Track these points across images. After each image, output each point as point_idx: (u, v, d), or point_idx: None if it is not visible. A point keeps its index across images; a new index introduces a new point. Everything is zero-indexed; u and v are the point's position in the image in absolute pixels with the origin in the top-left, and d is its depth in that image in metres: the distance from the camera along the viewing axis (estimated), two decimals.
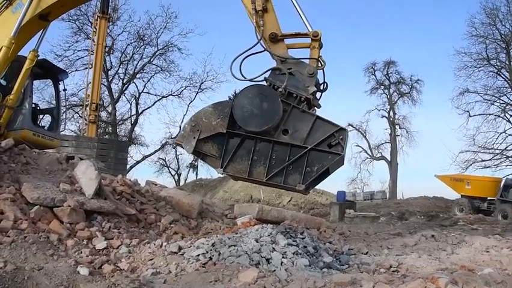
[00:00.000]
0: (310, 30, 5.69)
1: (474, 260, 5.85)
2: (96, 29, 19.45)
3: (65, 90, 10.33)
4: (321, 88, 5.79)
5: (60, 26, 28.65)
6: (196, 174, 43.65)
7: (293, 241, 5.32)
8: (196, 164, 44.62)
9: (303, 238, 5.62)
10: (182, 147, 5.32)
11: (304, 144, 5.03)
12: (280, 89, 5.20)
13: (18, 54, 8.21)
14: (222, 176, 33.73)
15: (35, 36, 8.42)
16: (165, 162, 41.18)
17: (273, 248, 5.07)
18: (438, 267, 5.19)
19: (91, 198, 6.41)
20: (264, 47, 5.69)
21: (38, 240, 5.09)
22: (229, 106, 5.15)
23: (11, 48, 7.56)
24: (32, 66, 8.28)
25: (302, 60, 5.59)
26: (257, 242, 5.21)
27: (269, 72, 5.43)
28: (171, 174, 41.03)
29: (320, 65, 5.60)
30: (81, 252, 5.22)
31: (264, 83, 5.36)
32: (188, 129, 5.25)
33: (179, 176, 41.72)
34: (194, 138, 5.17)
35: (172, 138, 35.71)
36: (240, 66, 5.43)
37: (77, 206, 6.04)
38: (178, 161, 42.35)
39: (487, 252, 6.52)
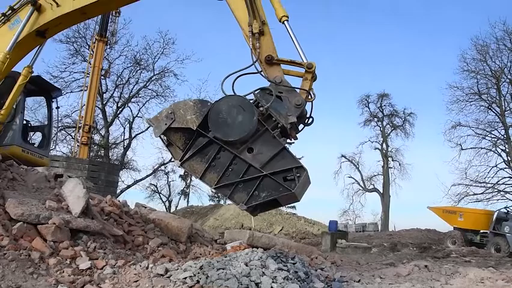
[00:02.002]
0: (305, 61, 5.72)
1: None
2: (93, 51, 19.62)
3: (58, 108, 10.27)
4: (306, 121, 5.79)
5: (57, 47, 28.91)
6: (188, 201, 43.27)
7: (284, 266, 5.15)
8: (187, 191, 44.36)
9: (294, 263, 5.45)
10: (152, 126, 5.41)
11: (262, 168, 5.06)
12: (262, 109, 5.22)
13: (13, 70, 8.16)
14: (213, 203, 33.36)
15: (31, 52, 8.41)
16: (156, 188, 40.86)
17: (263, 272, 4.89)
18: None
19: (78, 217, 6.21)
20: (258, 70, 5.70)
21: (18, 258, 4.87)
22: (208, 107, 5.18)
23: (5, 63, 7.50)
24: (25, 82, 8.21)
25: (296, 89, 5.60)
26: (246, 265, 5.03)
27: (258, 90, 5.46)
28: (162, 200, 40.66)
29: (309, 97, 5.62)
30: (63, 272, 4.99)
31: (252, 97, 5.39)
32: (163, 114, 5.30)
33: (170, 202, 41.35)
34: (166, 124, 5.23)
35: (164, 164, 35.53)
36: (233, 84, 5.47)
37: (63, 224, 5.82)
38: (169, 188, 42.07)
39: (482, 283, 6.38)
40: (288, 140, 5.95)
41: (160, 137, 5.41)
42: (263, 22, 5.98)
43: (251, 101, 5.33)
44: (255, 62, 5.71)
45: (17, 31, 7.59)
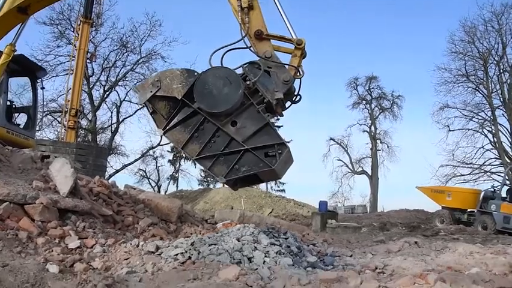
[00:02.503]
0: (294, 37, 5.65)
1: (459, 263, 5.75)
2: (78, 34, 19.16)
3: (43, 88, 10.03)
4: (294, 99, 5.75)
5: (41, 30, 28.32)
6: (177, 186, 43.26)
7: (276, 241, 5.15)
8: (176, 175, 44.33)
9: (286, 238, 5.46)
10: (137, 93, 5.43)
11: (244, 142, 5.05)
12: (249, 82, 5.18)
13: None
14: (202, 187, 33.34)
15: (13, 31, 8.15)
16: (145, 173, 40.75)
17: (255, 247, 4.89)
18: (425, 268, 5.06)
19: (66, 197, 6.12)
20: (247, 45, 5.60)
21: (5, 237, 4.78)
22: (194, 77, 5.14)
23: None
24: (8, 61, 7.99)
25: (285, 65, 5.54)
26: (238, 241, 5.03)
27: (247, 64, 5.39)
28: (151, 185, 40.59)
29: (298, 74, 5.56)
30: (52, 251, 4.91)
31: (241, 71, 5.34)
32: (149, 82, 5.28)
33: (159, 187, 41.30)
34: (151, 92, 5.20)
35: (152, 148, 35.32)
36: (221, 59, 5.36)
37: (50, 203, 5.73)
38: (158, 173, 42.05)
39: (471, 256, 6.45)
40: (274, 117, 5.94)
41: (144, 104, 5.41)
42: None
43: (239, 75, 5.25)
44: (244, 37, 5.60)
45: None
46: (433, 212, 21.54)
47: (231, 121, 5.13)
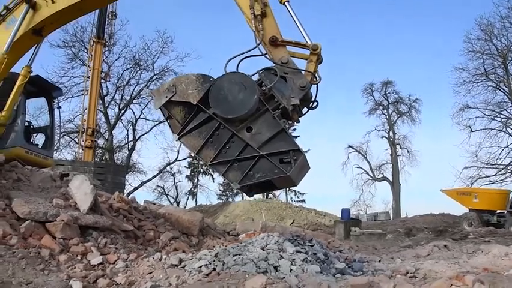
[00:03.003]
0: (310, 42, 5.62)
1: (495, 264, 5.54)
2: (92, 54, 19.54)
3: (59, 108, 10.16)
4: (310, 105, 5.71)
5: (55, 52, 28.92)
6: (196, 201, 43.40)
7: (301, 248, 5.05)
8: (195, 191, 44.46)
9: (311, 245, 5.34)
10: (153, 98, 5.46)
11: (259, 148, 5.01)
12: (264, 88, 5.16)
13: (11, 71, 8.07)
14: (221, 201, 33.36)
15: (28, 53, 8.31)
16: (163, 189, 40.95)
17: (281, 256, 4.79)
18: (459, 271, 4.86)
19: (86, 214, 6.13)
20: (262, 52, 5.58)
21: (27, 255, 4.78)
22: (210, 82, 5.15)
23: (3, 63, 7.41)
24: (24, 82, 8.12)
25: (301, 71, 5.51)
26: (263, 250, 4.93)
27: (263, 70, 5.38)
28: (170, 202, 40.68)
29: (314, 79, 5.53)
30: (74, 268, 4.90)
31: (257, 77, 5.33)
32: (165, 87, 5.32)
33: (178, 203, 41.44)
34: (166, 97, 5.24)
35: (170, 164, 35.50)
36: (237, 66, 5.37)
37: (71, 220, 5.74)
38: (176, 188, 42.21)
39: (507, 257, 6.20)
40: (290, 124, 5.88)
41: (160, 109, 5.43)
42: (265, 4, 5.89)
43: (255, 81, 5.23)
44: (259, 44, 5.59)
45: (13, 30, 7.49)
46: (460, 215, 20.99)
47: (246, 127, 5.12)
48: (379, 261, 6.38)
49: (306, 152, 5.14)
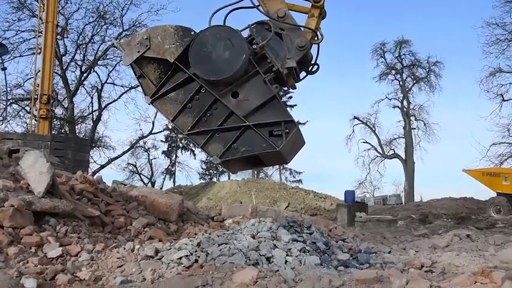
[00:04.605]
0: None
1: None
2: (43, 3, 19.03)
3: (4, 69, 9.88)
4: (309, 69, 5.71)
5: None
6: (174, 181, 43.63)
7: (299, 236, 5.16)
8: (173, 169, 44.62)
9: (310, 233, 5.45)
10: (122, 52, 5.40)
11: (245, 118, 5.03)
12: (255, 46, 5.12)
13: None
14: (204, 181, 33.48)
15: None
16: (136, 167, 41.03)
17: (274, 245, 4.90)
18: (485, 266, 4.96)
19: (42, 197, 6.14)
20: (254, 4, 5.50)
21: None
22: (191, 37, 5.11)
23: None
24: None
25: (301, 27, 5.47)
26: (254, 238, 5.03)
27: (255, 24, 5.32)
28: (143, 182, 40.83)
29: (316, 38, 5.50)
30: (27, 262, 4.95)
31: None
32: (137, 40, 5.26)
33: (153, 183, 41.64)
34: (138, 52, 5.20)
35: (143, 137, 35.44)
36: (224, 20, 5.33)
37: (23, 206, 5.75)
38: (151, 167, 42.28)
39: None
40: (284, 88, 5.88)
41: (131, 65, 5.38)
42: None
43: (244, 37, 5.20)
44: None
45: None
46: (486, 200, 21.24)
47: (231, 92, 5.12)
48: (389, 252, 6.51)
49: (303, 124, 5.13)
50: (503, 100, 30.04)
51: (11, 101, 25.96)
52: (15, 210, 5.61)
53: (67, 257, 5.29)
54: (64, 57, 29.37)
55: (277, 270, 4.38)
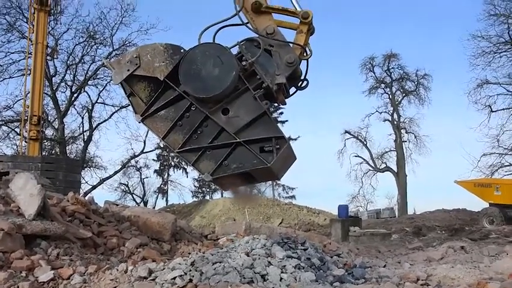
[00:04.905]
0: (299, 9, 5.61)
1: None
2: (33, 25, 19.07)
3: None
4: (299, 84, 5.75)
5: None
6: (166, 200, 43.37)
7: (293, 253, 5.12)
8: (165, 188, 44.39)
9: (305, 249, 5.42)
10: (112, 71, 5.40)
11: (236, 134, 5.04)
12: (245, 63, 5.15)
13: None
14: (197, 200, 33.32)
15: None
16: (128, 187, 40.74)
17: (269, 262, 4.87)
18: (481, 278, 4.97)
19: (32, 220, 6.10)
20: (243, 21, 5.55)
21: None
22: (180, 54, 5.13)
23: None
24: None
25: (290, 43, 5.51)
26: (248, 256, 5.00)
27: (244, 41, 5.35)
28: (136, 202, 40.58)
29: (305, 54, 5.54)
30: (17, 287, 4.89)
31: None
32: (127, 58, 5.28)
33: (145, 203, 41.34)
34: (128, 70, 5.22)
35: (135, 157, 35.28)
36: (214, 37, 5.36)
37: (13, 229, 5.71)
38: (143, 186, 42.02)
39: None
40: (275, 104, 5.90)
41: (120, 84, 5.38)
42: None
43: (234, 54, 5.22)
44: (240, 11, 5.56)
45: None
46: (479, 211, 21.26)
47: (221, 108, 5.12)
48: (384, 266, 6.49)
49: (294, 139, 5.15)
50: (491, 111, 30.22)
51: (0, 123, 25.83)
52: (5, 233, 5.57)
53: (59, 281, 5.23)
54: (53, 78, 29.28)
55: None
